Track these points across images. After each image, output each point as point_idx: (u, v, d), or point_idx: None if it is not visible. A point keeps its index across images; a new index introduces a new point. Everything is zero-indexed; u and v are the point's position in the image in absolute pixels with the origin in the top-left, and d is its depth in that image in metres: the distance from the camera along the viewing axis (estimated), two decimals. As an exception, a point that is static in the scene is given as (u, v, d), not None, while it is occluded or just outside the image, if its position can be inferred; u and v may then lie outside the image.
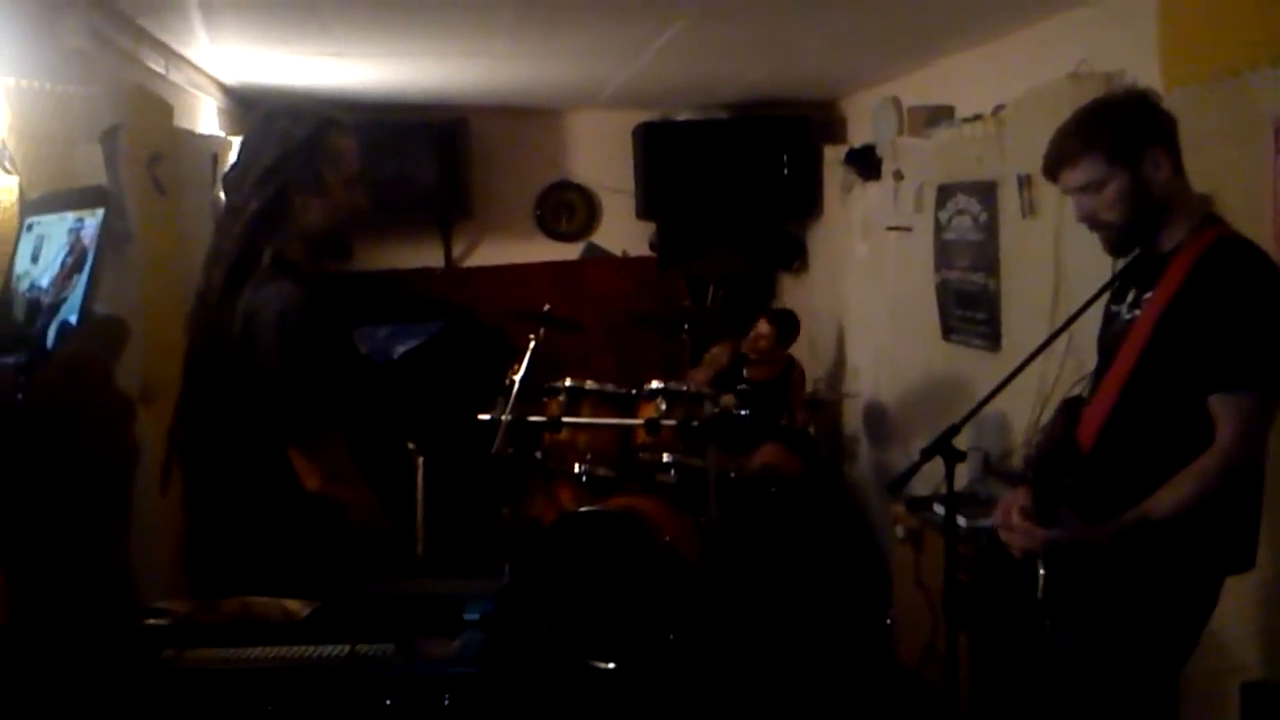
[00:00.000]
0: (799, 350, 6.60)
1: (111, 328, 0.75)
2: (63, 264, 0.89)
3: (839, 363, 6.39)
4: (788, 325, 5.83)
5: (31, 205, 0.92)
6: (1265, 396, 2.32)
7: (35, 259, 0.92)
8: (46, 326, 0.87)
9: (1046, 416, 2.82)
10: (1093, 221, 2.49)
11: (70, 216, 0.88)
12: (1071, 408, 2.43)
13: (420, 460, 4.43)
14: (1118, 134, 2.42)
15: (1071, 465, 2.35)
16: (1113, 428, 2.40)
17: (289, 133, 2.48)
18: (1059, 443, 2.35)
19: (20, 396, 0.78)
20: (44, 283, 0.91)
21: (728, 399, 4.96)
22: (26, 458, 0.72)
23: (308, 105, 2.58)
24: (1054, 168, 2.51)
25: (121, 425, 0.72)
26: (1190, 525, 2.32)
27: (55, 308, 0.88)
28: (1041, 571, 2.45)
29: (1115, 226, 2.46)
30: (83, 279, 0.88)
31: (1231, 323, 2.30)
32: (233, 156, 2.61)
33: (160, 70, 4.20)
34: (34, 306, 0.89)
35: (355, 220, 2.59)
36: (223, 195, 2.59)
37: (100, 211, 0.87)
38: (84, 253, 0.89)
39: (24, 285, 0.89)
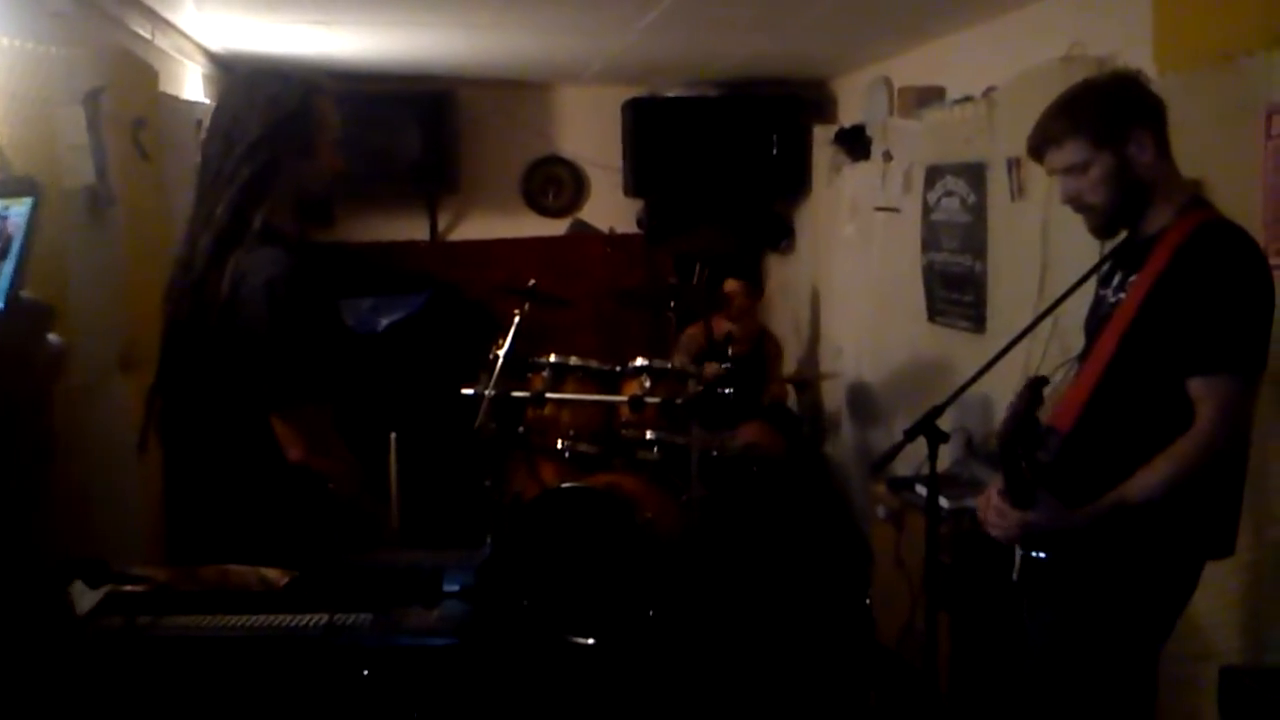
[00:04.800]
0: (782, 328, 6.60)
1: (35, 313, 0.75)
2: None
3: (824, 342, 6.38)
4: (753, 279, 5.95)
5: None
6: (1245, 381, 2.31)
7: None
8: None
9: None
10: (1077, 203, 2.49)
11: None
12: (1035, 386, 2.41)
13: (393, 435, 4.40)
14: (1103, 116, 2.41)
15: (1034, 442, 2.34)
16: (1093, 410, 2.39)
17: (279, 98, 2.46)
18: (1021, 420, 2.34)
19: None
20: None
21: (712, 367, 4.96)
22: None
23: (291, 70, 2.56)
24: (1039, 148, 2.51)
25: (36, 416, 0.72)
26: (1170, 510, 2.32)
27: None
28: (1018, 553, 2.45)
29: (1100, 208, 2.46)
30: (8, 267, 0.87)
31: (1213, 306, 2.30)
32: (208, 121, 2.59)
33: (145, 35, 4.16)
34: None
35: (339, 183, 2.58)
36: (201, 161, 2.55)
37: (28, 200, 0.86)
38: (9, 240, 0.88)
39: None
